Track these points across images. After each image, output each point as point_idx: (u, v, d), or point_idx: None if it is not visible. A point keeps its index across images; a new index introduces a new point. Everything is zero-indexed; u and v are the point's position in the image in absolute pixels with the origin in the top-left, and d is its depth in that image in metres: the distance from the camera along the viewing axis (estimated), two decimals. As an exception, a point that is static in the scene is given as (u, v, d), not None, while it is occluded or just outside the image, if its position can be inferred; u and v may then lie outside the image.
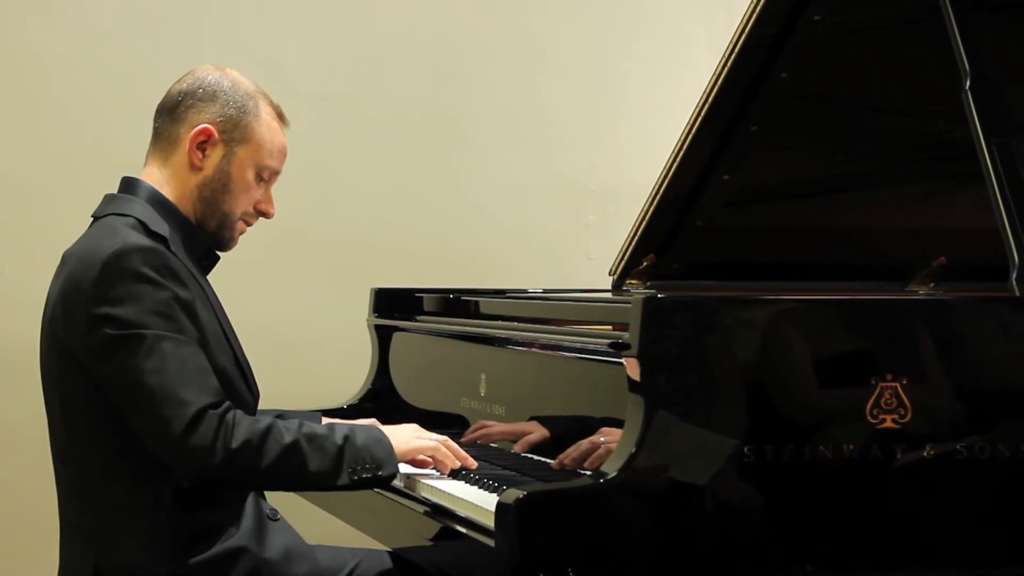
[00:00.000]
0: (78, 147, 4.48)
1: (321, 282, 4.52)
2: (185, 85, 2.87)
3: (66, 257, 2.78)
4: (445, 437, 2.92)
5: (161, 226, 2.75)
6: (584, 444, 2.80)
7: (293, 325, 4.49)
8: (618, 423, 2.52)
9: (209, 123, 2.82)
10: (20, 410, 4.35)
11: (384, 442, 2.75)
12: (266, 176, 2.89)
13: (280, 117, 2.91)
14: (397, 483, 2.90)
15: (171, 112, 2.86)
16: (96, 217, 2.84)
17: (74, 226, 4.29)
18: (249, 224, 2.91)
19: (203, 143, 2.82)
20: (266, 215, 2.92)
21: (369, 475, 2.71)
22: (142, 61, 4.53)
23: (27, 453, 4.32)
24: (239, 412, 2.63)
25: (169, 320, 2.62)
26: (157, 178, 2.84)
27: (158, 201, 2.80)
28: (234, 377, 2.79)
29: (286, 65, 4.61)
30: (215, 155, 2.83)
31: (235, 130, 2.84)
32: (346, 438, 2.70)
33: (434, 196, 4.80)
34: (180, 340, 2.62)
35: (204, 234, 2.86)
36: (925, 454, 2.53)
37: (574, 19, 4.94)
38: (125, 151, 4.45)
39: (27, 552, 4.32)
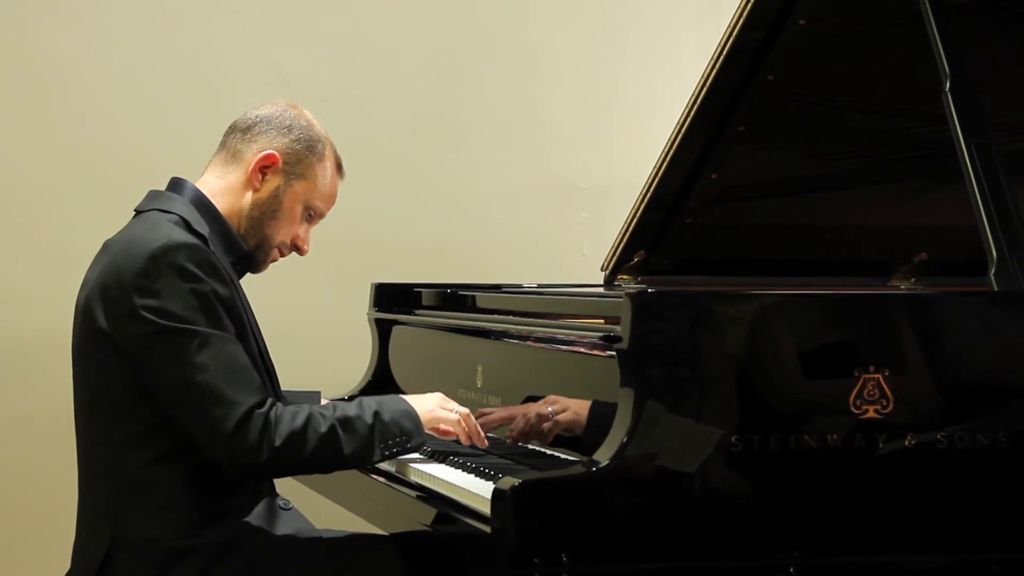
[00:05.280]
0: (86, 146, 4.53)
1: (324, 278, 4.55)
2: (264, 112, 2.96)
3: (107, 245, 2.85)
4: (466, 410, 2.96)
5: (202, 226, 2.84)
6: (532, 416, 2.88)
7: (297, 319, 4.53)
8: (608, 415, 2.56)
9: (277, 151, 2.91)
10: (31, 401, 4.42)
11: (411, 414, 2.84)
12: (312, 215, 2.99)
13: (339, 167, 3.02)
14: (389, 467, 2.97)
15: (245, 132, 2.94)
16: (139, 211, 2.91)
17: (83, 223, 4.38)
18: (283, 255, 3.00)
19: (266, 167, 2.91)
20: (300, 251, 3.01)
21: (399, 448, 2.81)
22: (149, 63, 4.59)
23: (38, 443, 4.39)
24: (279, 407, 2.72)
25: (213, 317, 2.71)
26: (212, 187, 2.92)
27: (201, 203, 2.88)
28: (261, 376, 2.84)
29: (290, 68, 4.67)
30: (273, 181, 2.92)
31: (298, 165, 2.93)
32: (376, 415, 2.79)
33: (433, 195, 4.84)
34: (225, 337, 2.71)
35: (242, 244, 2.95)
36: (906, 443, 2.57)
37: (567, 25, 4.97)
38: (131, 150, 4.55)
39: (36, 540, 4.38)
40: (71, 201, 4.49)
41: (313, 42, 4.74)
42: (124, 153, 4.53)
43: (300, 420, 2.71)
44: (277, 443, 2.68)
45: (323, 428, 2.72)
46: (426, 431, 2.87)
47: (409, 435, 2.82)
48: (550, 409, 2.85)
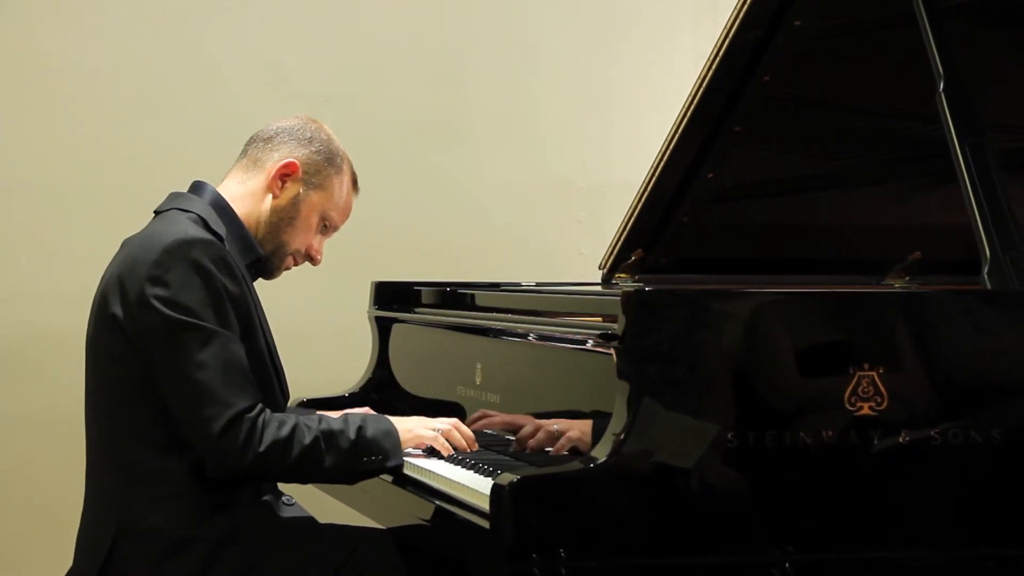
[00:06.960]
0: (86, 146, 4.55)
1: (324, 277, 4.51)
2: (286, 124, 3.04)
3: (126, 242, 2.90)
4: (447, 426, 3.00)
5: (219, 226, 2.89)
6: (543, 432, 2.90)
7: (298, 317, 4.54)
8: (606, 411, 2.57)
9: (298, 160, 2.98)
10: (33, 399, 4.44)
11: (392, 434, 2.89)
12: (327, 227, 3.05)
13: (355, 183, 3.08)
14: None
15: (267, 141, 3.02)
16: (158, 212, 2.96)
17: (84, 223, 4.41)
18: (296, 263, 3.07)
19: (286, 175, 2.98)
20: (313, 261, 3.08)
21: (377, 467, 2.86)
22: (149, 63, 4.61)
23: (41, 441, 4.41)
24: (268, 413, 2.77)
25: (220, 314, 2.75)
26: (232, 191, 2.99)
27: (219, 205, 2.94)
28: (270, 377, 2.91)
29: (291, 68, 4.69)
30: (292, 190, 2.99)
31: (317, 175, 3.00)
32: (359, 430, 2.84)
33: (432, 195, 4.86)
34: (229, 337, 2.75)
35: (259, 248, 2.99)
36: (901, 440, 2.58)
37: (566, 25, 4.99)
38: (131, 149, 4.57)
39: (39, 538, 4.40)
40: (71, 200, 4.51)
41: (313, 42, 4.76)
42: (124, 153, 4.55)
43: (286, 429, 2.76)
44: (261, 448, 2.73)
45: (307, 439, 2.77)
46: (408, 450, 2.92)
47: (387, 455, 2.86)
48: (555, 427, 2.87)
